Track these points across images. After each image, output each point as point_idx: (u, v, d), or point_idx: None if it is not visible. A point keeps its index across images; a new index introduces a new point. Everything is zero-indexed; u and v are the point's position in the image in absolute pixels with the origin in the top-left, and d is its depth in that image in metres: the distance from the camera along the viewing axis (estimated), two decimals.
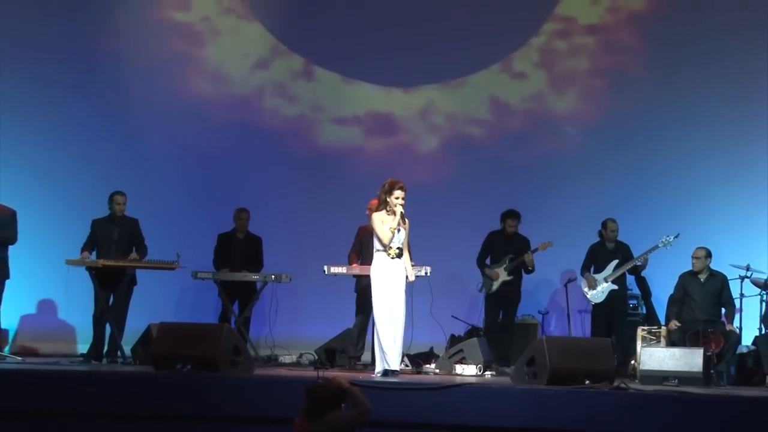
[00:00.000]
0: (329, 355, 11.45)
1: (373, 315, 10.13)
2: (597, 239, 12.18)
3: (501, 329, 12.07)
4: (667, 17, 13.42)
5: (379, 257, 10.12)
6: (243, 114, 13.47)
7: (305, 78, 13.58)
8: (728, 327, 11.27)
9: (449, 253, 12.21)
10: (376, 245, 10.15)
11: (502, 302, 12.05)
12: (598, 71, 13.55)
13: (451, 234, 12.48)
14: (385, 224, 10.05)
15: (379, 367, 10.00)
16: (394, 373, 9.89)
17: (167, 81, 13.40)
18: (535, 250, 12.03)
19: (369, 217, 11.58)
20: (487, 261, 12.15)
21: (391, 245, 10.04)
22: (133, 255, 11.33)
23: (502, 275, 11.99)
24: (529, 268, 12.09)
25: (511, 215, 12.10)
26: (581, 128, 13.53)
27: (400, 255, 10.06)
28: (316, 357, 11.59)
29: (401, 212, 10.04)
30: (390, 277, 10.05)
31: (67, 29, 13.15)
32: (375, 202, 11.62)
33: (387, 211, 10.09)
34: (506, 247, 12.05)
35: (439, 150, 13.53)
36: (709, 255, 11.39)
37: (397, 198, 10.09)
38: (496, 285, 12.00)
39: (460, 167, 13.31)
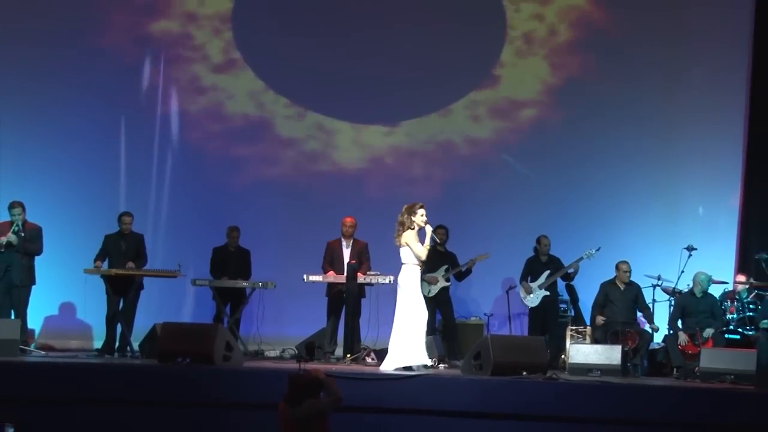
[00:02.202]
0: (309, 350, 11.43)
1: (399, 318, 9.90)
2: (532, 253, 12.25)
3: (449, 328, 12.05)
4: (590, 68, 13.46)
5: (412, 270, 9.91)
6: (237, 146, 13.38)
7: (289, 116, 13.51)
8: (651, 326, 11.38)
9: None
10: (407, 259, 9.92)
11: (439, 305, 11.94)
12: (534, 116, 13.54)
13: None
14: (418, 242, 9.90)
15: (397, 363, 9.78)
16: (409, 368, 9.71)
17: (172, 117, 13.33)
18: (474, 260, 12.04)
19: (344, 234, 11.65)
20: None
21: (424, 260, 9.99)
22: (130, 264, 11.25)
23: (441, 281, 11.97)
24: (470, 272, 12.14)
25: (440, 226, 11.92)
26: (518, 158, 13.54)
27: None
28: (297, 351, 11.56)
29: (431, 229, 9.95)
30: (419, 288, 9.96)
31: (92, 76, 13.04)
32: (349, 219, 11.71)
33: (412, 230, 9.95)
34: (440, 259, 11.96)
35: (398, 176, 13.45)
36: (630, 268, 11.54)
37: (422, 216, 9.95)
38: (435, 290, 11.98)
39: (417, 189, 13.23)
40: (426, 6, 13.39)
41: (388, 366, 9.79)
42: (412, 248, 9.88)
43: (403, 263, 9.99)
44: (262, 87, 13.47)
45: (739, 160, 13.20)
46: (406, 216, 9.96)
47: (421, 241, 9.92)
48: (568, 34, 13.51)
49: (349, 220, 11.76)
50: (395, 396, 9.04)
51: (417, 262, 9.91)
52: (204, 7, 13.49)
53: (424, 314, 9.93)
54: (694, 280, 11.33)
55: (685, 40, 13.36)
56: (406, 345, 9.78)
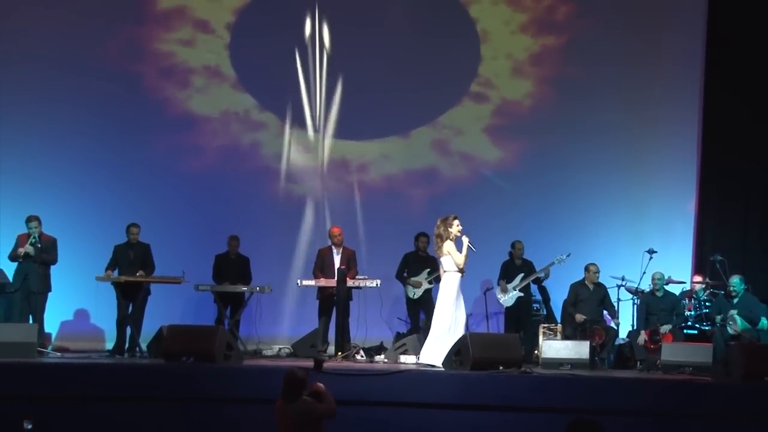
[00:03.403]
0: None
1: (438, 319, 10.01)
2: (508, 257, 12.26)
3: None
4: (558, 85, 13.49)
5: (453, 277, 10.01)
6: (236, 160, 13.29)
7: (282, 133, 13.47)
8: (615, 322, 11.46)
9: (394, 268, 12.17)
10: (448, 267, 10.01)
11: (423, 306, 11.86)
12: (509, 131, 13.57)
13: (396, 253, 12.43)
14: (457, 251, 9.97)
15: (429, 359, 9.93)
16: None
17: (178, 134, 13.24)
18: None
19: (334, 243, 11.65)
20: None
21: (463, 267, 10.04)
22: (140, 273, 11.26)
23: (425, 284, 11.91)
24: None
25: (422, 234, 11.95)
26: (494, 169, 13.53)
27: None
28: (293, 350, 11.55)
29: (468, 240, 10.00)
30: (459, 293, 10.05)
31: (102, 93, 12.94)
32: (336, 229, 11.73)
33: (451, 240, 10.00)
34: (422, 264, 11.91)
35: (382, 188, 13.45)
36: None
37: (457, 226, 10.02)
38: (419, 292, 11.92)
39: (400, 200, 13.27)
40: (405, 25, 13.35)
41: (424, 359, 9.95)
42: (453, 257, 9.99)
43: (444, 271, 10.10)
44: (255, 105, 13.40)
45: (694, 170, 13.26)
46: (442, 228, 10.06)
47: (457, 248, 10.01)
48: (537, 53, 13.53)
49: (336, 230, 11.80)
50: (383, 390, 9.04)
51: (457, 269, 9.99)
52: (208, 24, 13.36)
53: (462, 317, 10.05)
54: (651, 279, 11.40)
55: (645, 61, 13.42)
56: (443, 345, 9.86)
